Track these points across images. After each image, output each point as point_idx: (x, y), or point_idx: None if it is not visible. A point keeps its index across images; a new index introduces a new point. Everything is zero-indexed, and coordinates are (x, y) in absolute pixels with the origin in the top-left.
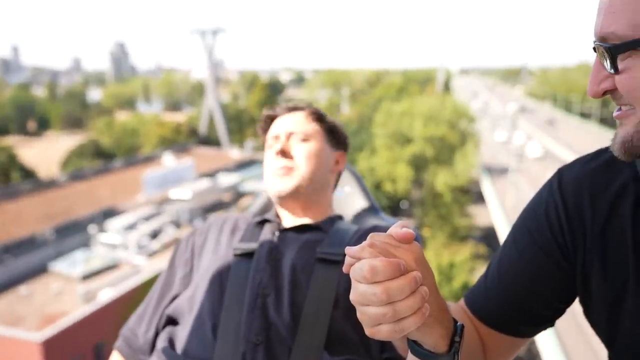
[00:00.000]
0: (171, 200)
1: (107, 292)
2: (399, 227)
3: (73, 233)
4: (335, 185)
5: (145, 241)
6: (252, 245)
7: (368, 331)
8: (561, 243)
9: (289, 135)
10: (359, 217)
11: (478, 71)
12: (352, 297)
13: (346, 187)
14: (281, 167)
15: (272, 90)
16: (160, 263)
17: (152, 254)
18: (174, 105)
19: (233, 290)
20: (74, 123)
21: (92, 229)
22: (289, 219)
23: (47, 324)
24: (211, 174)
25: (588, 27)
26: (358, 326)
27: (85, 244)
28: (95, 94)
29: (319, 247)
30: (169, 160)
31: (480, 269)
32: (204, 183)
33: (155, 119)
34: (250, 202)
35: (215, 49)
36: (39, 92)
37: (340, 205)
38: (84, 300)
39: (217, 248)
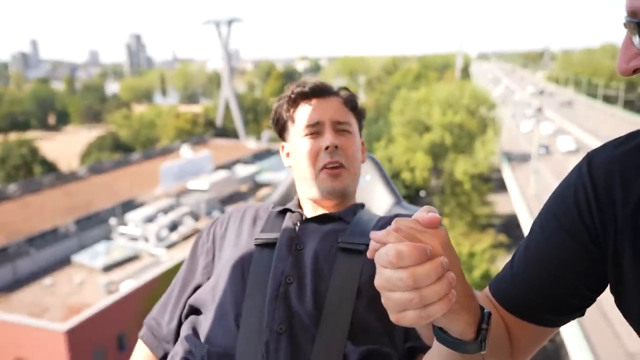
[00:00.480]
0: (189, 192)
1: (128, 283)
2: (425, 212)
3: (94, 225)
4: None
5: (164, 233)
6: (274, 235)
7: (393, 317)
8: (590, 226)
9: (333, 125)
10: (380, 205)
11: (497, 55)
12: (377, 282)
13: (367, 175)
14: (334, 165)
15: (288, 80)
16: (180, 254)
17: (171, 245)
18: (190, 97)
19: (255, 279)
20: (93, 116)
21: (112, 221)
22: (311, 209)
23: (71, 315)
24: (228, 166)
25: (613, 6)
26: (381, 315)
27: (107, 236)
28: (113, 87)
29: (340, 236)
30: (186, 152)
31: (501, 259)
32: (221, 174)
33: (172, 111)
34: (268, 192)
35: (231, 39)
36: (58, 86)
37: (361, 193)
38: (106, 291)
39: (238, 238)
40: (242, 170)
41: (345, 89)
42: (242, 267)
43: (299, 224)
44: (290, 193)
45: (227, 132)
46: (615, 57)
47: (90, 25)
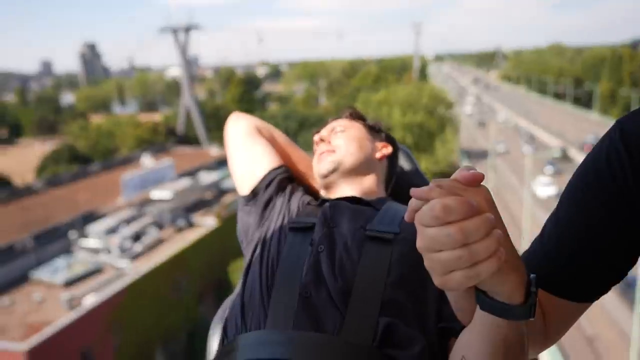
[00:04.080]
0: (152, 201)
1: (91, 298)
2: (465, 170)
3: (53, 240)
4: (391, 175)
5: (127, 244)
6: (311, 220)
7: (438, 280)
8: (626, 192)
9: (330, 131)
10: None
11: (453, 57)
12: (420, 244)
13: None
14: (321, 152)
15: (249, 85)
16: (145, 265)
17: (135, 257)
18: (149, 106)
19: (288, 265)
20: (48, 128)
21: (72, 234)
22: (339, 196)
23: (32, 333)
24: (192, 173)
25: (558, 7)
26: (411, 294)
27: (67, 250)
28: (68, 98)
29: (369, 224)
30: (147, 161)
31: None
32: (185, 182)
33: (131, 120)
34: (233, 199)
35: (189, 46)
36: (9, 98)
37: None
38: (68, 307)
39: (284, 214)
40: (206, 177)
41: (352, 107)
42: (277, 249)
43: (331, 204)
44: None
45: (189, 139)
46: (561, 56)
47: (41, 35)
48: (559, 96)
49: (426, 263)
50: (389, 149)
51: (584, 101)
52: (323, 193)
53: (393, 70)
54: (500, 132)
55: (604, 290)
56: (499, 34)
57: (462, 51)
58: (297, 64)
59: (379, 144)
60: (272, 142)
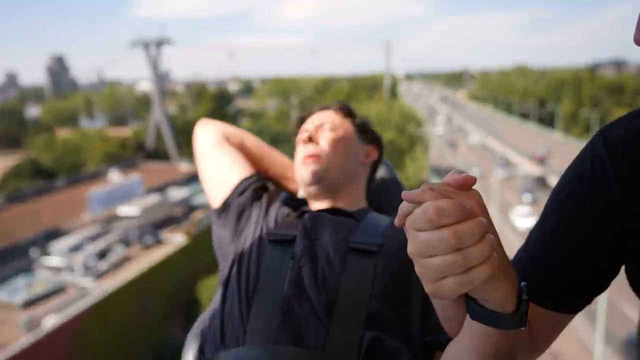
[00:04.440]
0: (119, 218)
1: (52, 319)
2: (457, 174)
3: (13, 258)
4: (371, 180)
5: (92, 262)
6: (292, 232)
7: (430, 287)
8: (610, 200)
9: (317, 127)
10: (392, 209)
11: (423, 76)
12: (412, 249)
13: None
14: (308, 154)
15: (221, 101)
16: (110, 283)
17: (100, 275)
18: (118, 120)
19: (268, 277)
20: (11, 142)
21: (33, 252)
22: (320, 207)
23: None
24: (161, 189)
25: (524, 30)
26: (397, 307)
27: (27, 268)
28: (33, 111)
29: (352, 236)
30: (115, 176)
31: None
32: (153, 198)
33: (99, 135)
34: (203, 215)
35: (161, 60)
36: None
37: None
38: (27, 329)
39: (260, 227)
40: (176, 194)
41: (342, 102)
42: (257, 262)
43: (312, 216)
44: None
45: (158, 154)
46: (525, 77)
47: (7, 46)
48: (524, 116)
49: (417, 269)
50: (374, 154)
51: (547, 121)
52: (302, 194)
53: (364, 88)
54: (472, 153)
55: (587, 301)
56: (467, 54)
57: (432, 70)
58: (269, 80)
59: (366, 148)
60: (243, 148)
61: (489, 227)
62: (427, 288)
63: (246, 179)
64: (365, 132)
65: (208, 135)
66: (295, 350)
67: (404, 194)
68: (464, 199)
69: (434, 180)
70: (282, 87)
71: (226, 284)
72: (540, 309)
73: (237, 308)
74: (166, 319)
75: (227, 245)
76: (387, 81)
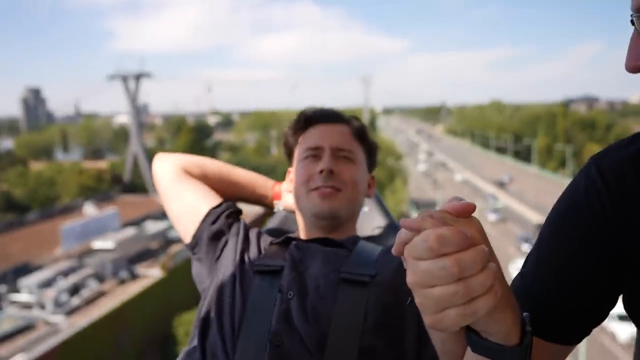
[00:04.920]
0: (93, 252)
1: (19, 358)
2: (455, 200)
3: None
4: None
5: (64, 297)
6: (278, 263)
7: (430, 319)
8: (603, 223)
9: (334, 151)
10: (380, 236)
11: (401, 110)
12: (411, 279)
13: (365, 207)
14: (329, 185)
15: (200, 134)
16: (82, 320)
17: (72, 311)
18: (95, 153)
19: (255, 307)
20: None
21: (1, 288)
22: (309, 235)
23: None
24: (137, 222)
25: (501, 66)
26: (391, 341)
27: None
28: (6, 143)
29: (343, 266)
30: (90, 209)
31: None
32: (129, 231)
33: (75, 167)
34: (180, 248)
35: (139, 92)
36: None
37: (359, 224)
38: None
39: (237, 258)
40: (152, 227)
41: (356, 118)
42: (242, 293)
43: (300, 246)
44: (288, 221)
45: (135, 187)
46: (501, 112)
47: None
48: (500, 150)
49: (417, 300)
50: (374, 184)
51: (523, 155)
52: (280, 208)
53: None
54: (458, 192)
55: (586, 332)
56: (443, 90)
57: (410, 105)
58: (249, 113)
59: (369, 177)
60: (204, 177)
61: (491, 256)
62: (428, 320)
63: (215, 208)
64: (372, 159)
65: (166, 172)
66: None
67: (402, 221)
68: (464, 226)
69: (414, 212)
70: (262, 121)
71: (206, 318)
72: (537, 340)
73: (220, 342)
74: (141, 356)
75: (205, 279)
76: (366, 115)
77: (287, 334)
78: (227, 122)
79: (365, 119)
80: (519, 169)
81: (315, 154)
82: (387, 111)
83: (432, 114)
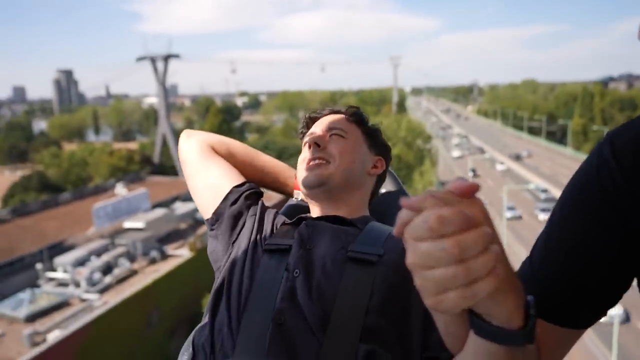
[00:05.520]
0: (124, 232)
1: (55, 333)
2: (459, 181)
3: (17, 271)
4: (376, 191)
5: (97, 276)
6: (288, 241)
7: (431, 301)
8: (618, 208)
9: (326, 131)
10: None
11: (430, 90)
12: (411, 260)
13: (382, 189)
14: (313, 157)
15: (228, 115)
16: (115, 298)
17: (105, 289)
18: (125, 134)
19: (262, 284)
20: (18, 156)
21: (38, 266)
22: (320, 214)
23: None
24: (167, 203)
25: (533, 44)
26: (395, 321)
27: (32, 282)
28: (40, 125)
29: (351, 245)
30: (121, 190)
31: None
32: (159, 212)
33: (106, 148)
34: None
35: (168, 74)
36: None
37: (378, 207)
38: (30, 343)
39: (253, 237)
40: (181, 208)
41: (355, 107)
42: (250, 272)
43: (309, 224)
44: (301, 208)
45: (165, 169)
46: (535, 92)
47: (15, 60)
48: (533, 131)
49: (417, 282)
50: (382, 165)
51: (557, 136)
52: (301, 198)
53: (372, 102)
54: (501, 186)
55: (598, 315)
56: (475, 69)
57: (440, 84)
58: (276, 94)
59: (374, 158)
60: (230, 157)
61: (493, 238)
62: (428, 302)
63: (237, 187)
64: (375, 141)
65: (193, 147)
66: None
67: (403, 200)
68: (467, 207)
69: None
70: (289, 102)
71: (217, 295)
72: (547, 324)
73: (226, 320)
74: (171, 334)
75: (221, 256)
76: (395, 95)
77: (291, 312)
78: (254, 103)
79: (395, 99)
80: (551, 149)
81: (311, 139)
82: (417, 91)
83: (462, 93)
